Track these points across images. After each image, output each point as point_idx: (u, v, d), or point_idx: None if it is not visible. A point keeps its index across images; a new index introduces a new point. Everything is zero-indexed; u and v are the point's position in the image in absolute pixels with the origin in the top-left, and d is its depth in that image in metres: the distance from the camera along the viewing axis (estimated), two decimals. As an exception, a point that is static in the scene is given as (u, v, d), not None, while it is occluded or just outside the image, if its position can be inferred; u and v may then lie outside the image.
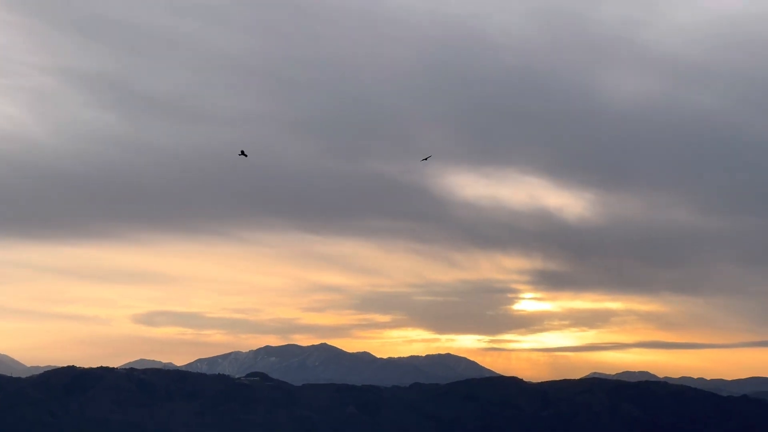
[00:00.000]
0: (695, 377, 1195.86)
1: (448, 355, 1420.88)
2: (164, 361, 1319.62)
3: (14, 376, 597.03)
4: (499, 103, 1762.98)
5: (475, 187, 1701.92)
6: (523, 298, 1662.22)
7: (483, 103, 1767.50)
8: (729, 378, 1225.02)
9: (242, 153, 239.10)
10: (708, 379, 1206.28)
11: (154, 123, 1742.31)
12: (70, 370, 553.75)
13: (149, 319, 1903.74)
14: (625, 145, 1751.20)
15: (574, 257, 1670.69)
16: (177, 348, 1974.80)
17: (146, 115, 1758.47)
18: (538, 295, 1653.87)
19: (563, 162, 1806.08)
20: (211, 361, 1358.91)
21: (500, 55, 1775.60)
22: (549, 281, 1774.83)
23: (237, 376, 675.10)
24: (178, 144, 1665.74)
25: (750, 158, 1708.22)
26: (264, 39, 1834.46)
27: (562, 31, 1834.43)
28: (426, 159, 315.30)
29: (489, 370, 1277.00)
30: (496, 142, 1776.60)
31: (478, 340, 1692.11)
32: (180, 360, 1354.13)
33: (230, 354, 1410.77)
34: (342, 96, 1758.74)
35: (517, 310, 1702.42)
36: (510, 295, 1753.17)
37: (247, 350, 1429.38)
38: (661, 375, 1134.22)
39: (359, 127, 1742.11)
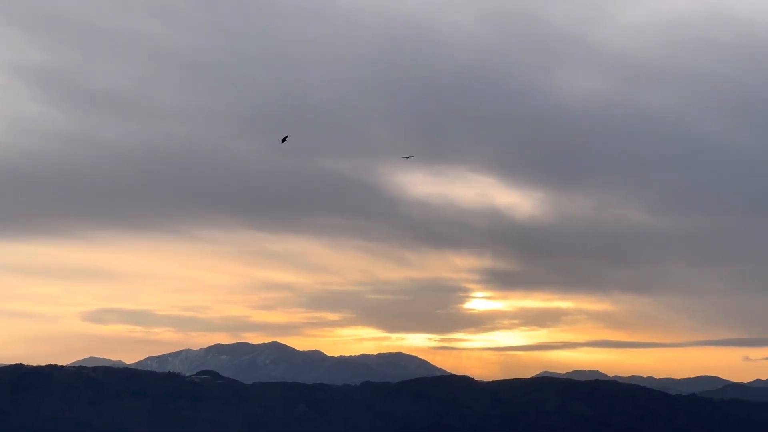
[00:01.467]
0: (645, 376, 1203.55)
1: (399, 353, 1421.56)
2: (114, 359, 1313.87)
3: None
4: (450, 102, 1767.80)
5: (426, 185, 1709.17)
6: (474, 297, 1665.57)
7: (434, 102, 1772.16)
8: (678, 377, 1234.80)
9: (284, 139, 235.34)
10: (657, 378, 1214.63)
11: (102, 119, 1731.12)
12: (18, 368, 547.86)
13: (98, 316, 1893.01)
14: (576, 144, 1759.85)
15: (525, 256, 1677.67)
16: (126, 346, 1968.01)
17: (94, 110, 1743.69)
18: (489, 294, 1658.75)
19: (514, 161, 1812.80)
20: (161, 359, 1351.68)
21: (451, 53, 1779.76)
22: (499, 280, 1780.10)
23: (187, 374, 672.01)
24: (127, 140, 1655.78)
25: (699, 157, 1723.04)
26: (214, 35, 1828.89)
27: (514, 30, 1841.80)
28: (408, 158, 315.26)
29: (440, 369, 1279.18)
30: (447, 140, 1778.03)
31: (429, 338, 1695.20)
32: (130, 358, 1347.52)
33: (181, 352, 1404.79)
34: (292, 93, 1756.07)
35: (468, 309, 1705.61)
36: (460, 294, 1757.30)
37: (198, 348, 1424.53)
38: (611, 374, 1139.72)
39: (309, 124, 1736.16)
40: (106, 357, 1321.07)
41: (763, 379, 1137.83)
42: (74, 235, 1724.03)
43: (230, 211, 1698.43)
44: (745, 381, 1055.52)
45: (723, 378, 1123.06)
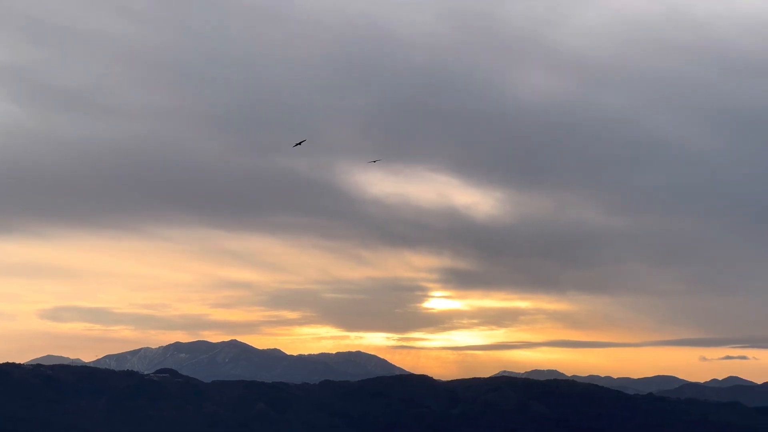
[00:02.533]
0: (602, 376, 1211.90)
1: (359, 352, 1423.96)
2: (72, 357, 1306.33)
3: None
4: (409, 101, 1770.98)
5: (384, 184, 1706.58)
6: (432, 297, 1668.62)
7: (392, 101, 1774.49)
8: (635, 376, 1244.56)
9: (299, 143, 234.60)
10: (615, 377, 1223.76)
11: (62, 116, 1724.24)
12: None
13: (56, 314, 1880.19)
14: (534, 144, 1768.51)
15: (483, 256, 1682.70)
16: (85, 344, 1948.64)
17: (54, 108, 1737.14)
18: (447, 293, 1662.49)
19: (472, 160, 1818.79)
20: (120, 357, 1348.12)
21: (410, 53, 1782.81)
22: (458, 280, 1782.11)
23: (146, 373, 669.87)
24: (86, 138, 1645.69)
25: (656, 158, 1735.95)
26: (174, 34, 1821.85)
27: (472, 30, 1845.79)
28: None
29: (399, 368, 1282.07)
30: (406, 139, 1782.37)
31: (387, 338, 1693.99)
32: (88, 356, 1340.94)
33: (139, 350, 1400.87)
34: (251, 92, 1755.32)
35: (426, 309, 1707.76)
36: (419, 293, 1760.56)
37: (157, 346, 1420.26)
38: (569, 373, 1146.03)
39: (268, 123, 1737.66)
40: (64, 355, 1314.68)
41: (720, 379, 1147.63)
42: (32, 232, 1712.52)
43: (189, 210, 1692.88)
44: (702, 381, 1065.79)
45: (680, 378, 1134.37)
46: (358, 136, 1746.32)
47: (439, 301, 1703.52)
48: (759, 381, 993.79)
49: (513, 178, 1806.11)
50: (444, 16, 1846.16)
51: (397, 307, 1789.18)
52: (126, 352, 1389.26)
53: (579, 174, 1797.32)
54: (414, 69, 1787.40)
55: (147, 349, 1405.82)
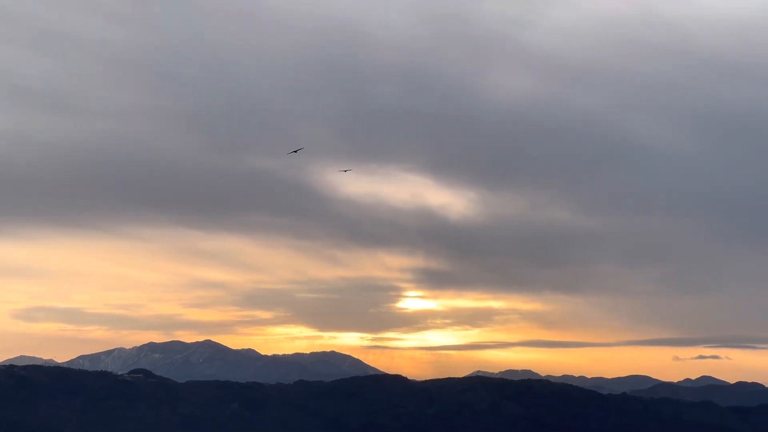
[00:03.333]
0: (576, 375, 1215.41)
1: (333, 352, 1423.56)
2: (45, 357, 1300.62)
3: None
4: (383, 102, 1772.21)
5: (358, 184, 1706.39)
6: (406, 297, 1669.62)
7: (366, 100, 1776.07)
8: (609, 376, 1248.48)
9: (295, 151, 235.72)
10: (589, 377, 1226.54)
11: (33, 116, 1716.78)
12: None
13: (28, 314, 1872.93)
14: (508, 144, 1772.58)
15: (457, 256, 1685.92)
16: (58, 344, 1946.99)
17: (25, 107, 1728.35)
18: (421, 293, 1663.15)
19: (446, 160, 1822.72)
20: (94, 357, 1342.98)
21: (383, 52, 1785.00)
22: (432, 279, 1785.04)
23: (120, 373, 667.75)
24: (58, 137, 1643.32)
25: (629, 158, 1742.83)
26: (146, 34, 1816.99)
27: (445, 30, 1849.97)
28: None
29: (373, 368, 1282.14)
30: (379, 139, 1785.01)
31: (361, 338, 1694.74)
32: (61, 356, 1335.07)
33: (113, 351, 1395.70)
34: (226, 92, 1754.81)
35: (400, 308, 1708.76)
36: (392, 293, 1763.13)
37: (131, 347, 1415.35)
38: (543, 373, 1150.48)
39: (241, 122, 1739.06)
40: (37, 356, 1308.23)
41: (693, 378, 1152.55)
42: (4, 232, 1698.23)
43: (163, 210, 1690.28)
44: (675, 380, 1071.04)
45: (653, 377, 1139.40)
46: (332, 136, 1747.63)
47: (412, 301, 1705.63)
48: (731, 380, 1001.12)
49: (486, 179, 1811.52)
50: (418, 17, 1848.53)
51: (370, 307, 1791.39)
52: (100, 353, 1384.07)
53: (552, 174, 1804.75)
54: (388, 70, 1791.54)
55: (121, 350, 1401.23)
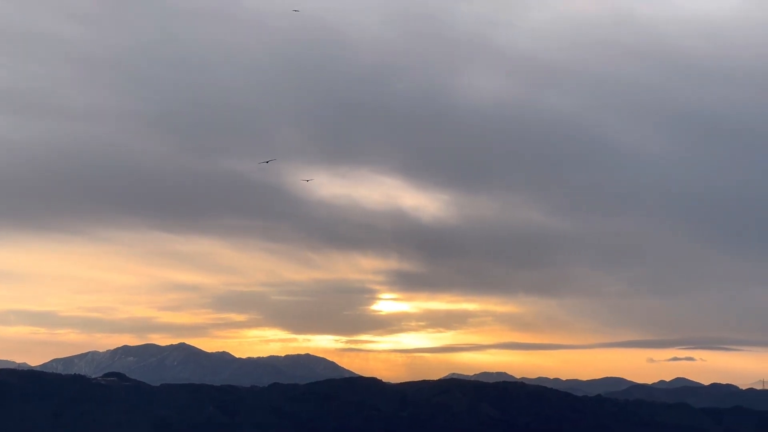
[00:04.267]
0: (551, 377, 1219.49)
1: (308, 355, 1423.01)
2: (18, 360, 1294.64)
3: None
4: (356, 103, 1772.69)
5: (331, 186, 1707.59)
6: (380, 299, 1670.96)
7: (339, 102, 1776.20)
8: (584, 378, 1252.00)
9: (267, 161, 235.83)
10: (564, 379, 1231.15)
11: (5, 118, 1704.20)
12: None
13: (1, 317, 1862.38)
14: (481, 146, 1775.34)
15: (431, 258, 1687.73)
16: (31, 348, 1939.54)
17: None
18: (395, 295, 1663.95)
19: (419, 162, 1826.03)
20: (67, 361, 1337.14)
21: (356, 53, 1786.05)
22: (405, 282, 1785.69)
23: (94, 376, 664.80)
24: (31, 139, 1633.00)
25: (603, 159, 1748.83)
26: (119, 35, 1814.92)
27: (418, 31, 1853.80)
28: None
29: (348, 370, 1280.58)
30: (352, 141, 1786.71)
31: (336, 340, 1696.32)
32: (34, 360, 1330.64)
33: (87, 354, 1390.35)
34: (198, 93, 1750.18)
35: (374, 311, 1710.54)
36: (366, 296, 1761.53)
37: (104, 350, 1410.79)
38: (518, 375, 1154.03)
39: (213, 124, 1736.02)
40: (9, 359, 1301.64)
41: (667, 380, 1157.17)
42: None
43: (135, 212, 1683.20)
44: (649, 382, 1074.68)
45: (627, 379, 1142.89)
46: (305, 138, 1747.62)
47: (386, 303, 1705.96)
48: (705, 382, 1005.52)
49: (460, 180, 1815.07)
50: (391, 17, 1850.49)
51: (344, 309, 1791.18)
52: (73, 356, 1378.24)
53: (526, 176, 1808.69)
54: (361, 71, 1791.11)
55: (94, 353, 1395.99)
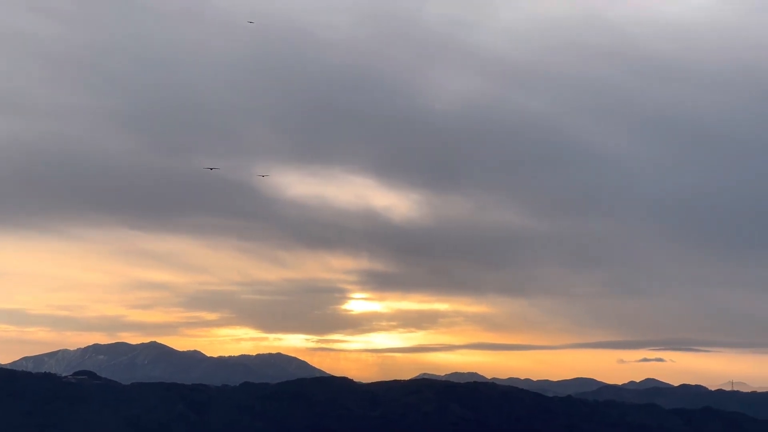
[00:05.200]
0: (522, 378, 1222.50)
1: (279, 354, 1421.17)
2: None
3: None
4: (327, 103, 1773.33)
5: (302, 185, 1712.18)
6: (351, 298, 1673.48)
7: (309, 101, 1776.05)
8: (554, 379, 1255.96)
9: (210, 168, 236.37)
10: (534, 380, 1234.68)
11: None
12: None
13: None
14: (453, 146, 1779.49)
15: (402, 258, 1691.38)
16: (0, 346, 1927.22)
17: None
18: (366, 295, 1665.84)
19: (391, 162, 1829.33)
20: (37, 359, 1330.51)
21: (327, 53, 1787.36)
22: (376, 281, 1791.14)
23: (64, 375, 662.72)
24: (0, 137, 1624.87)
25: (573, 161, 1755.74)
26: (88, 32, 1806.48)
27: (390, 30, 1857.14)
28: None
29: (319, 369, 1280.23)
30: (323, 140, 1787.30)
31: (306, 339, 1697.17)
32: (4, 358, 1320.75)
33: (57, 352, 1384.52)
34: (168, 91, 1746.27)
35: (345, 310, 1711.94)
36: (337, 295, 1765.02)
37: (75, 348, 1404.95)
38: (489, 376, 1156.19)
39: (184, 122, 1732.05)
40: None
41: (637, 381, 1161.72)
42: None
43: (106, 210, 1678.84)
44: (619, 383, 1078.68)
45: (598, 380, 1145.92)
46: (276, 137, 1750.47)
47: (357, 302, 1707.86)
48: (675, 383, 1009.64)
49: (431, 180, 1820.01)
50: (362, 17, 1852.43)
51: (315, 309, 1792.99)
52: (43, 354, 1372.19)
53: (497, 176, 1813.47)
54: (332, 70, 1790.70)
55: (65, 351, 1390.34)
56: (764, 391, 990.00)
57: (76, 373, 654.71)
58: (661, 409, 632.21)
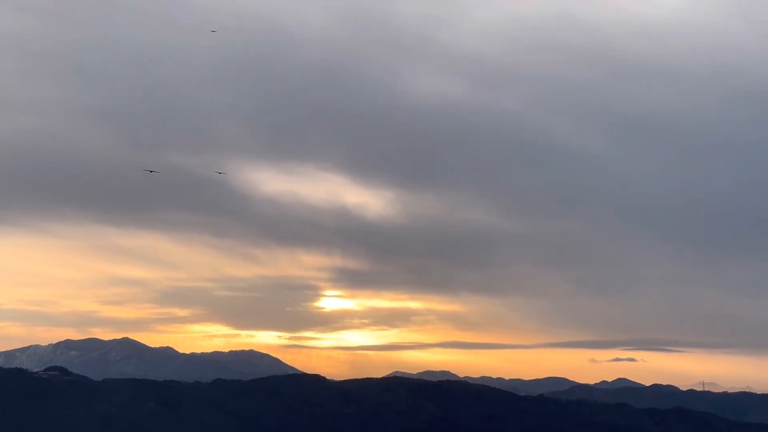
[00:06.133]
0: (494, 377, 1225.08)
1: (252, 351, 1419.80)
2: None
3: None
4: (300, 100, 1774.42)
5: (275, 182, 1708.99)
6: (324, 296, 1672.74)
7: (284, 98, 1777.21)
8: (526, 378, 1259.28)
9: (150, 171, 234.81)
10: (507, 378, 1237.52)
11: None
12: None
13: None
14: (427, 144, 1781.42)
15: (374, 256, 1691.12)
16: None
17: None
18: (338, 292, 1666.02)
19: (363, 160, 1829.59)
20: (8, 354, 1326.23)
21: (301, 50, 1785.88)
22: (349, 279, 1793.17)
23: (36, 370, 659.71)
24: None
25: (547, 160, 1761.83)
26: (62, 27, 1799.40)
27: (364, 28, 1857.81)
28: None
29: (291, 367, 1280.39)
30: (296, 137, 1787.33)
31: (279, 336, 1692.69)
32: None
33: (29, 347, 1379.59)
34: (142, 88, 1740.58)
35: (318, 308, 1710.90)
36: (310, 293, 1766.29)
37: (47, 344, 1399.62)
38: (461, 374, 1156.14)
39: (159, 119, 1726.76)
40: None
41: (609, 380, 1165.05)
42: None
43: (78, 206, 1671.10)
44: (592, 382, 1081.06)
45: (570, 379, 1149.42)
46: (250, 134, 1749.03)
47: (330, 300, 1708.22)
48: (647, 383, 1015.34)
49: (404, 178, 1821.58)
50: (337, 14, 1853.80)
51: (288, 306, 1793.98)
52: (15, 350, 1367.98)
53: (470, 175, 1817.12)
54: (306, 67, 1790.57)
55: (37, 347, 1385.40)
56: (735, 391, 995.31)
57: (47, 369, 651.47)
58: (632, 409, 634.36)
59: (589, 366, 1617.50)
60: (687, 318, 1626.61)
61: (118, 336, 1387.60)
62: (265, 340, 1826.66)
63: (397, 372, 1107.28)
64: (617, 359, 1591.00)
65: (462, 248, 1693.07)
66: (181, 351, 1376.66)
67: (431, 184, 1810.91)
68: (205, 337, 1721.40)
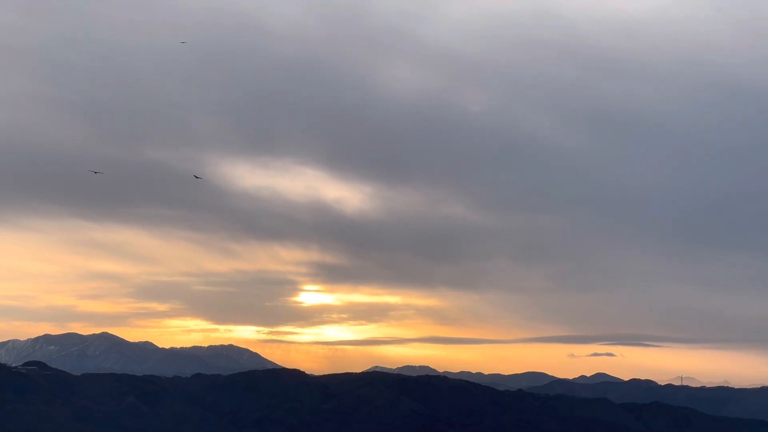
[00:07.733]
0: (474, 372, 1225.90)
1: (231, 346, 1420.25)
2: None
3: None
4: (278, 94, 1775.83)
5: (253, 177, 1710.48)
6: (302, 290, 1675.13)
7: (260, 93, 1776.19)
8: (506, 373, 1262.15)
9: (95, 172, 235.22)
10: (486, 373, 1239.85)
11: None
12: None
13: None
14: (403, 139, 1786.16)
15: (353, 250, 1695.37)
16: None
17: None
18: (317, 287, 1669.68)
19: (341, 154, 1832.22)
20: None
21: (278, 45, 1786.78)
22: (328, 274, 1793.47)
23: (14, 365, 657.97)
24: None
25: (523, 155, 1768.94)
26: (35, 19, 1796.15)
27: (340, 23, 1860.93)
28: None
29: (271, 362, 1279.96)
30: (274, 132, 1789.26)
31: (257, 331, 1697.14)
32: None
33: (7, 342, 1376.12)
34: (118, 81, 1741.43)
35: (297, 302, 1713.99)
36: (288, 287, 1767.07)
37: (26, 338, 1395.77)
38: (440, 369, 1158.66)
39: (135, 113, 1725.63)
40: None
41: (588, 375, 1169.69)
42: None
43: (55, 200, 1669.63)
44: (570, 377, 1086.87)
45: (549, 374, 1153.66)
46: (226, 128, 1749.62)
47: (309, 295, 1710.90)
48: (625, 377, 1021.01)
49: (382, 173, 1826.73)
50: (313, 8, 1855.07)
51: (266, 301, 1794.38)
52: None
53: (448, 170, 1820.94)
54: (282, 61, 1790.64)
55: (15, 341, 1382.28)
56: (713, 385, 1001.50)
57: (25, 364, 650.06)
58: (611, 404, 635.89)
59: (568, 361, 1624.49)
60: (665, 313, 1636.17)
61: (98, 331, 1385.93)
62: (244, 334, 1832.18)
63: (376, 367, 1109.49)
64: (596, 354, 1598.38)
65: (440, 243, 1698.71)
66: (160, 346, 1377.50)
67: (409, 179, 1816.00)
68: (184, 331, 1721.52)
